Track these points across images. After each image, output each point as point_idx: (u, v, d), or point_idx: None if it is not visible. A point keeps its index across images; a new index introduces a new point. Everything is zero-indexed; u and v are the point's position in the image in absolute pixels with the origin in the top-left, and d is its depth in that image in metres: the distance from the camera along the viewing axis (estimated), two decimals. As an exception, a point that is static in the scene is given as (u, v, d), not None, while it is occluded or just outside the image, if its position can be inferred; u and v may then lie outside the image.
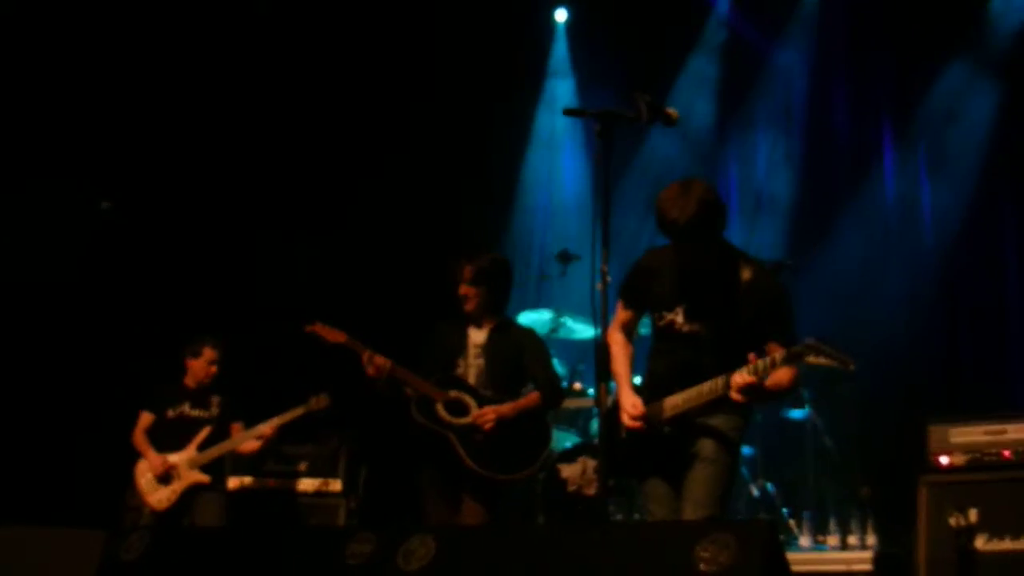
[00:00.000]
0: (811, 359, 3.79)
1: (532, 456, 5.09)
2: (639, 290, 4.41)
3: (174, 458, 6.26)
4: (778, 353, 3.88)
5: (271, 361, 7.78)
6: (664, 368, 4.27)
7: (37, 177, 7.46)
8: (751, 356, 3.91)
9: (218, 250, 8.24)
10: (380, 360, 5.07)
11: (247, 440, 6.32)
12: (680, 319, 4.22)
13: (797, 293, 4.41)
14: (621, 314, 4.43)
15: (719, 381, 3.98)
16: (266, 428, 6.29)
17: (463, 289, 5.19)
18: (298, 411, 6.26)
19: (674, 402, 4.13)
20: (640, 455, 4.24)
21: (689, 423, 4.13)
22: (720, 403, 4.04)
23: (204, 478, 6.22)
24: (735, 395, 3.93)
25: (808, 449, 6.87)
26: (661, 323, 4.30)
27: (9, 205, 7.36)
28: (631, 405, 4.20)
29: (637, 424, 4.16)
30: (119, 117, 7.90)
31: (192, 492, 6.22)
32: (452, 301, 5.27)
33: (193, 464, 6.24)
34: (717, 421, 4.13)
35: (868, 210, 8.06)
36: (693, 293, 4.22)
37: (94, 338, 7.63)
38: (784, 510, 6.73)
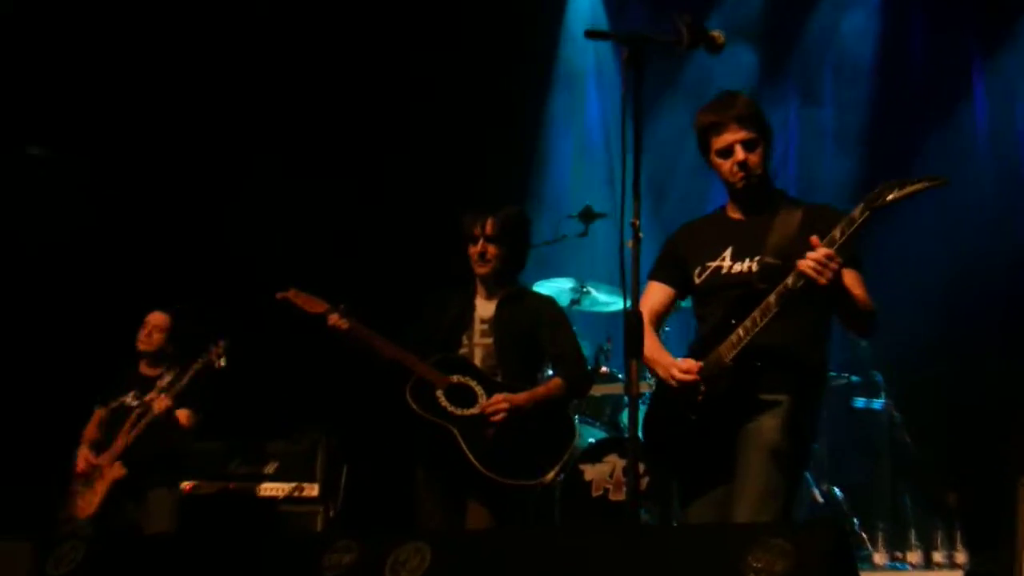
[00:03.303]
0: (893, 196, 3.79)
1: (552, 458, 5.01)
2: (674, 256, 4.43)
3: (99, 457, 6.26)
4: (856, 210, 3.86)
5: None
6: (713, 326, 4.20)
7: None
8: (814, 239, 3.89)
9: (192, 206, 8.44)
10: (336, 320, 5.05)
11: (148, 418, 6.18)
12: (727, 262, 4.25)
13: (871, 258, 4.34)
14: (650, 294, 4.40)
15: (788, 279, 3.94)
16: (159, 404, 6.16)
17: (482, 246, 5.13)
18: (191, 371, 6.14)
19: (733, 339, 4.07)
20: (685, 445, 4.20)
21: (749, 392, 4.06)
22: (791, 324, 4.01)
23: (119, 472, 6.14)
24: (807, 267, 3.84)
25: (883, 446, 6.85)
26: (703, 276, 4.29)
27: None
28: (681, 364, 4.15)
29: (691, 377, 4.10)
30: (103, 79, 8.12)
31: (119, 491, 6.15)
32: (459, 266, 5.22)
33: (112, 458, 6.20)
34: (782, 399, 4.07)
35: (955, 146, 7.98)
36: (740, 231, 4.27)
37: (37, 332, 7.74)
38: (854, 520, 6.72)
